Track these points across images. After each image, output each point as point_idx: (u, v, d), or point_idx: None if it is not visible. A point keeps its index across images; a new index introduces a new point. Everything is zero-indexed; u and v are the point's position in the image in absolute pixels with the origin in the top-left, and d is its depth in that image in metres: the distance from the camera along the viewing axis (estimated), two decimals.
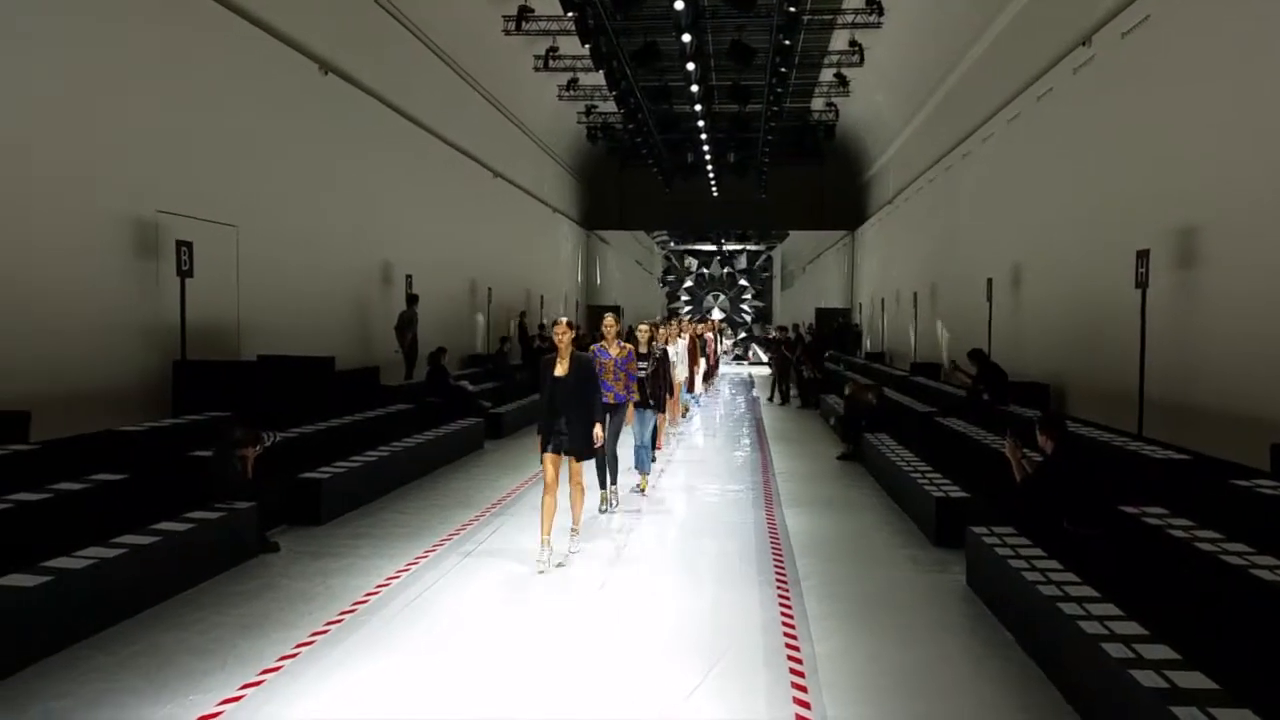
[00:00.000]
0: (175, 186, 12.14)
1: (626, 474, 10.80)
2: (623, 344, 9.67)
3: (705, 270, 48.67)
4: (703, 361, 20.66)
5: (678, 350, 15.59)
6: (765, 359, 41.67)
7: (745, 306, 48.33)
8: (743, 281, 48.58)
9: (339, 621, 6.24)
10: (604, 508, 9.77)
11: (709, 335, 24.25)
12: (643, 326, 11.38)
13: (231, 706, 4.86)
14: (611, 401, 9.35)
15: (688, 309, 47.43)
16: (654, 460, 11.51)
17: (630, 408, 9.87)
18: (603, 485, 9.91)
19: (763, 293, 48.91)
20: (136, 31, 11.48)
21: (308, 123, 15.73)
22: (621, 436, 10.07)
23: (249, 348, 13.39)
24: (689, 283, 48.81)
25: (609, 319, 9.63)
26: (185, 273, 11.37)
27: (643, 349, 10.90)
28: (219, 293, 12.85)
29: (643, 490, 10.74)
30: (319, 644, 5.81)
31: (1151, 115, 11.75)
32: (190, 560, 6.93)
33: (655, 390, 10.80)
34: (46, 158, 10.14)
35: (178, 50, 12.23)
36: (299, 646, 5.74)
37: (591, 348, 9.49)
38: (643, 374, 10.47)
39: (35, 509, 6.93)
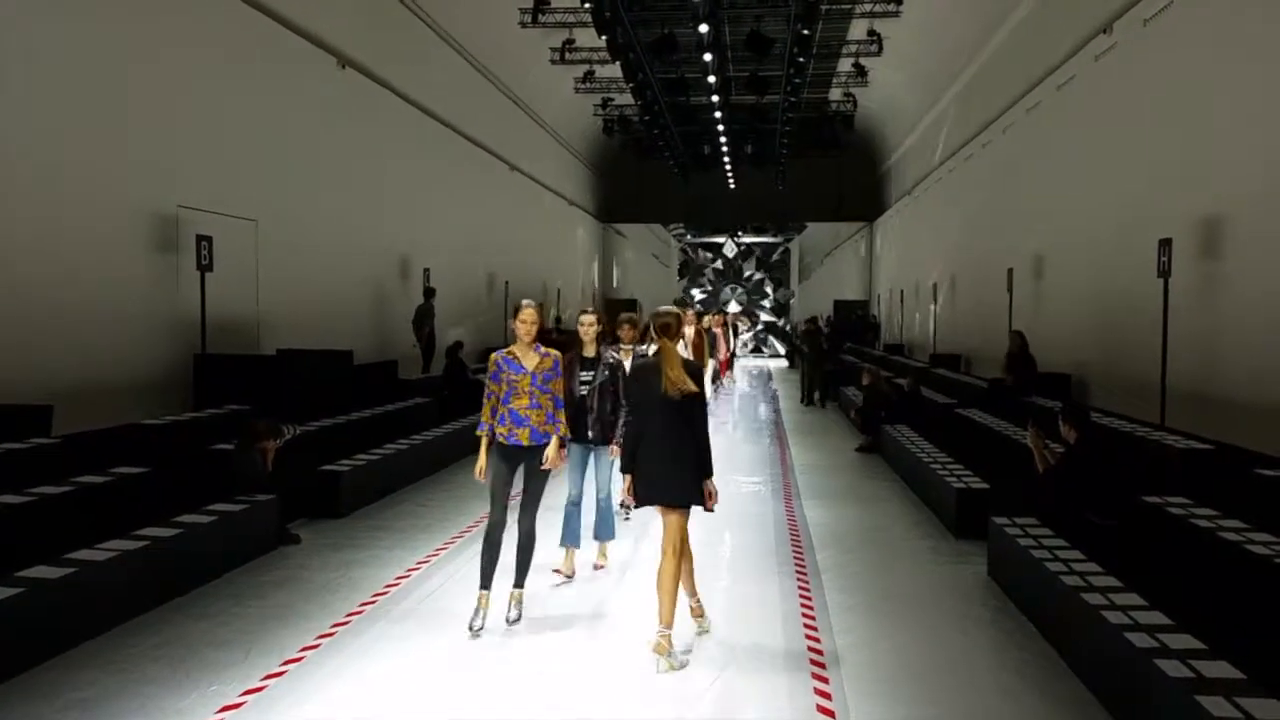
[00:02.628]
0: (195, 181, 12.21)
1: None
2: (545, 351, 6.15)
3: (735, 261, 48.40)
4: (711, 363, 17.57)
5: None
6: (783, 352, 41.60)
7: (766, 303, 48.04)
8: (767, 288, 48.28)
9: (360, 613, 6.26)
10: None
11: (718, 330, 20.45)
12: (585, 318, 7.15)
13: (254, 696, 4.88)
14: (526, 443, 5.99)
15: (700, 299, 47.19)
16: (628, 517, 8.62)
17: (554, 449, 6.07)
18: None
19: (781, 286, 48.65)
20: (155, 25, 11.53)
21: (326, 116, 15.77)
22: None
23: (268, 342, 13.46)
24: (716, 264, 48.48)
25: (526, 310, 6.09)
26: (205, 267, 11.43)
27: (587, 351, 7.14)
28: (239, 287, 12.92)
29: (603, 564, 7.43)
30: (340, 635, 5.83)
31: (1173, 103, 11.63)
32: (212, 552, 6.97)
33: (603, 415, 7.09)
34: (67, 153, 10.20)
35: (195, 44, 12.28)
36: (320, 637, 5.76)
37: (494, 356, 6.18)
38: (584, 391, 7.07)
39: (58, 502, 6.99)
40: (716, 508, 5.71)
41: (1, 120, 9.37)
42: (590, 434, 7.09)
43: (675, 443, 5.45)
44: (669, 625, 5.37)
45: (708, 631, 5.86)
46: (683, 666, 5.30)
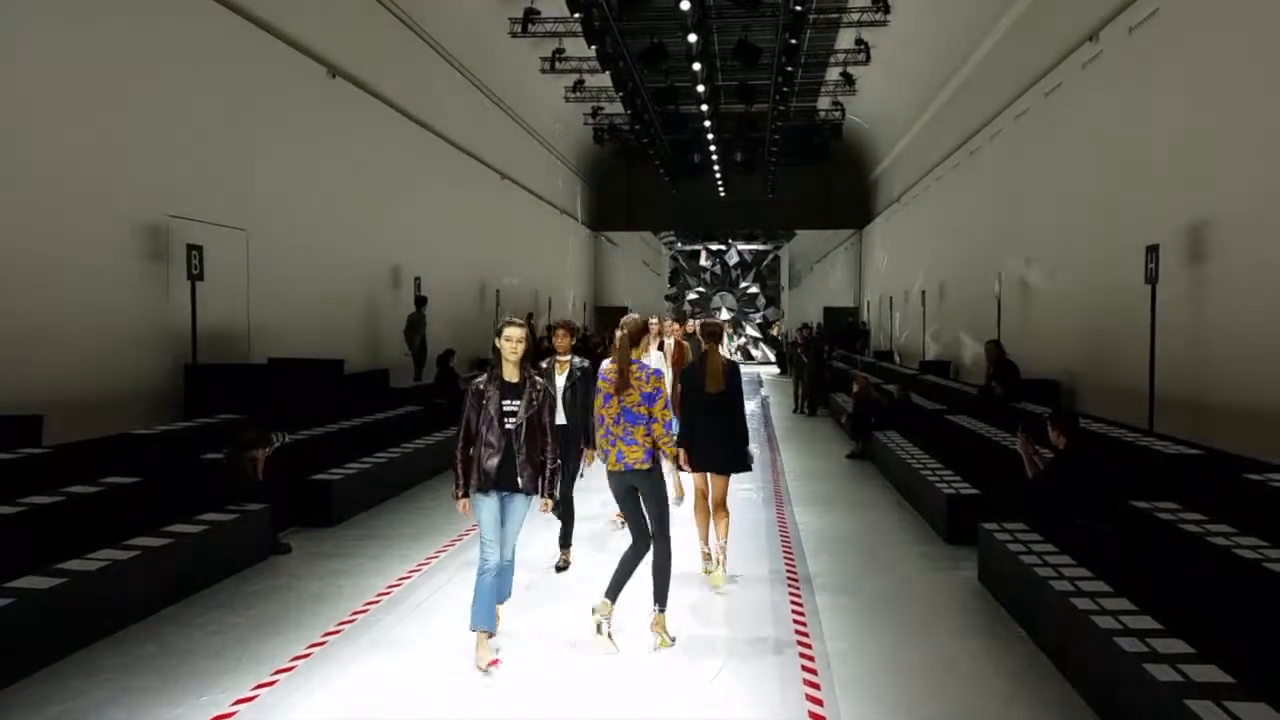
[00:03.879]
0: (185, 191, 12.19)
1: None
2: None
3: (735, 270, 48.32)
4: None
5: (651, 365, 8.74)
6: (773, 358, 41.63)
7: (755, 316, 47.95)
8: (759, 303, 48.20)
9: (351, 621, 6.25)
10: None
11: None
12: (512, 331, 5.65)
13: (245, 706, 4.87)
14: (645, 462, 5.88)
15: (691, 299, 47.13)
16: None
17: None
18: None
19: (772, 304, 48.57)
20: (145, 37, 11.52)
21: (316, 126, 15.77)
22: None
23: (259, 351, 13.44)
24: (716, 269, 48.33)
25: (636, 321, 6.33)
26: (196, 276, 11.41)
27: (508, 375, 5.67)
28: (229, 296, 12.90)
29: (489, 663, 5.41)
30: (331, 644, 5.82)
31: (1161, 110, 11.71)
32: (203, 562, 6.96)
33: (533, 457, 5.58)
34: (58, 165, 10.19)
35: (185, 55, 12.28)
36: (311, 646, 5.76)
37: (612, 364, 6.00)
38: (510, 427, 5.53)
39: (48, 512, 6.97)
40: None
41: None
42: (520, 480, 5.51)
43: (721, 425, 6.89)
44: (705, 540, 7.30)
45: (719, 583, 7.07)
46: (721, 578, 7.08)
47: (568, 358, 7.29)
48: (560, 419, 6.89)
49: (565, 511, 7.52)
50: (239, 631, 6.01)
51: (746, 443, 7.02)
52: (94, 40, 10.70)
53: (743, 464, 7.01)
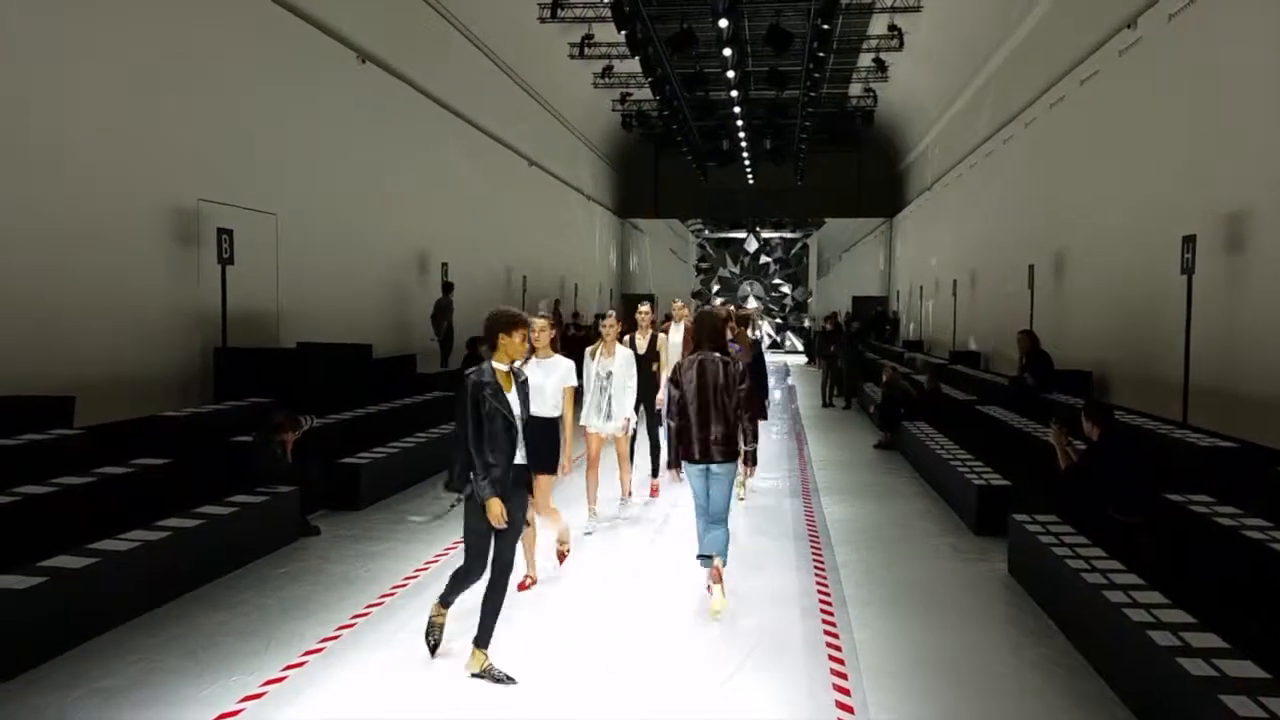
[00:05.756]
0: (215, 175, 12.26)
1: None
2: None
3: (763, 254, 48.03)
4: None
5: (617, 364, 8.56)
6: (800, 347, 41.49)
7: (778, 310, 47.62)
8: (781, 285, 47.91)
9: (380, 604, 6.28)
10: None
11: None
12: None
13: (275, 687, 4.90)
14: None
15: (716, 290, 46.88)
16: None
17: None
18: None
19: (801, 300, 48.13)
20: (175, 21, 11.57)
21: (346, 111, 15.81)
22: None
23: (288, 335, 13.51)
24: (754, 253, 48.03)
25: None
26: (226, 260, 11.48)
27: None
28: (259, 280, 12.97)
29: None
30: (360, 626, 5.85)
31: (1199, 98, 11.51)
32: (232, 543, 7.01)
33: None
34: (88, 147, 10.26)
35: (215, 39, 12.33)
36: (340, 629, 5.79)
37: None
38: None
39: (80, 493, 7.03)
40: (734, 503, 7.50)
41: (27, 116, 9.43)
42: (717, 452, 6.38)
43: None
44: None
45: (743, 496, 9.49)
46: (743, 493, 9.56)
47: (506, 366, 5.48)
48: (518, 457, 5.67)
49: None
50: (268, 613, 6.06)
51: (766, 398, 10.12)
52: (124, 26, 10.75)
53: (763, 414, 10.32)
